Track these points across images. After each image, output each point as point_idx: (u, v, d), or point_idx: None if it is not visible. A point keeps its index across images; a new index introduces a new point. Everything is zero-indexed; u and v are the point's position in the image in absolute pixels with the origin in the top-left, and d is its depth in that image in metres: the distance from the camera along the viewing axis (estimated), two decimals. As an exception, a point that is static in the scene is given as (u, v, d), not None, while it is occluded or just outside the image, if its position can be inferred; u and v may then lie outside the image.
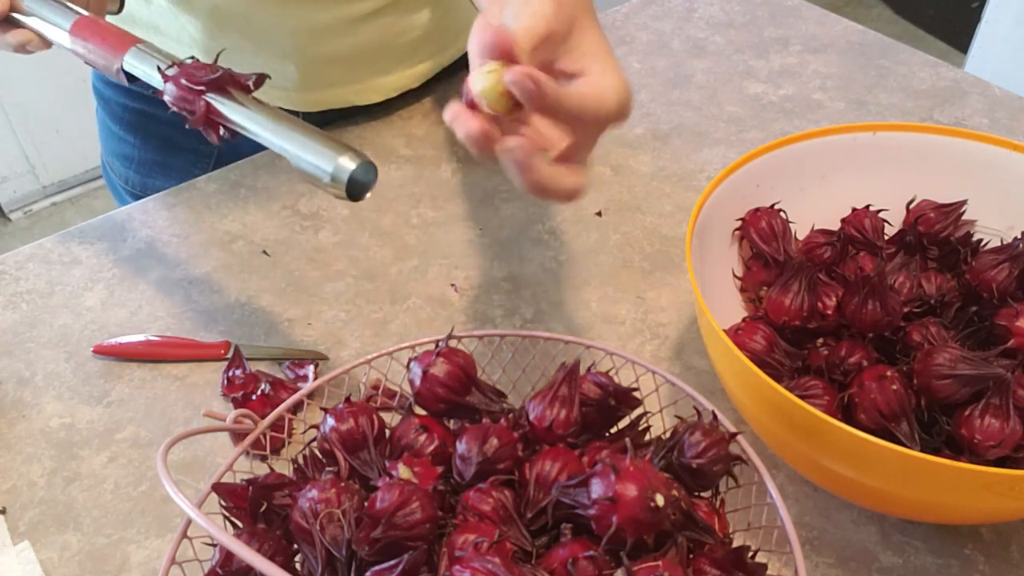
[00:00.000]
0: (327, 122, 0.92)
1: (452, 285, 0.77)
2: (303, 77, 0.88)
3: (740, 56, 1.04)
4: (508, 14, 0.50)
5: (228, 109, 0.56)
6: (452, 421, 0.53)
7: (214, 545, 0.47)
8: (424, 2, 0.90)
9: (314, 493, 0.45)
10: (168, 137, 0.94)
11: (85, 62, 0.65)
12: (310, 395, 0.56)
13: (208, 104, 0.56)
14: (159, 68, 0.58)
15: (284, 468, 0.53)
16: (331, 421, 0.49)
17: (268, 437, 0.53)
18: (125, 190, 0.99)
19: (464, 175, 0.88)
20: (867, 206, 0.67)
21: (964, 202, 0.66)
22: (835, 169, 0.68)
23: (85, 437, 0.66)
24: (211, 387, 0.69)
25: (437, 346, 0.51)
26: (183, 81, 0.56)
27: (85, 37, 0.63)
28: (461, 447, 0.48)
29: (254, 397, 0.67)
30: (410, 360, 0.52)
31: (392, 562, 0.42)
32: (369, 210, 0.84)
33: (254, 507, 0.48)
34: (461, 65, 1.01)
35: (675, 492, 0.42)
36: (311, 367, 0.69)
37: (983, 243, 0.66)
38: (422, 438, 0.49)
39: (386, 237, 0.82)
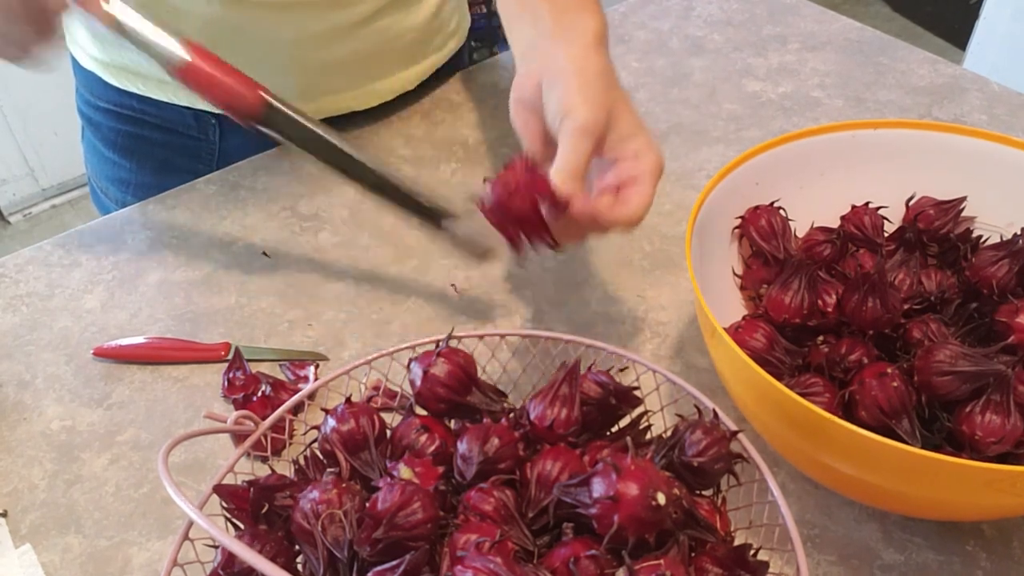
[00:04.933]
0: None
1: (452, 285, 0.77)
2: (302, 87, 0.88)
3: (739, 54, 1.04)
4: (549, 101, 0.58)
5: None
6: (453, 421, 0.53)
7: (216, 547, 0.47)
8: (415, 1, 0.90)
9: (315, 494, 0.45)
10: (164, 159, 0.93)
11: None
12: (311, 396, 0.56)
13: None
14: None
15: (285, 469, 0.53)
16: (332, 422, 0.49)
17: (269, 438, 0.53)
18: None
19: (464, 175, 0.88)
20: (866, 203, 0.67)
21: (963, 199, 0.66)
22: (834, 166, 0.68)
23: (86, 439, 0.66)
24: (212, 389, 0.69)
25: (437, 346, 0.51)
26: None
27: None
28: (462, 447, 0.48)
29: (255, 398, 0.67)
30: (410, 360, 0.52)
31: (394, 562, 0.42)
32: (369, 210, 0.85)
33: (255, 508, 0.48)
34: (456, 65, 1.01)
35: (676, 491, 0.42)
36: (311, 368, 0.69)
37: (983, 239, 0.66)
38: (423, 438, 0.49)
39: (386, 237, 0.82)
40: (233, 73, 0.67)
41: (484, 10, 2.21)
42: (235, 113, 0.67)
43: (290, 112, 0.67)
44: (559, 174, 0.55)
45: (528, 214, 0.55)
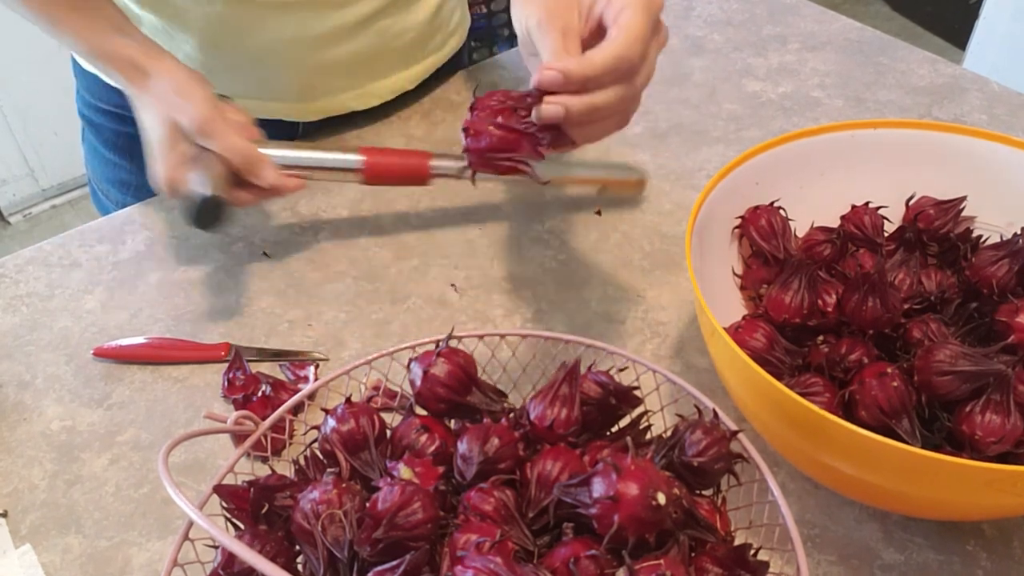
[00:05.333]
0: (327, 129, 0.92)
1: (452, 285, 0.77)
2: (303, 87, 0.88)
3: (738, 54, 1.04)
4: (520, 28, 0.57)
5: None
6: (453, 421, 0.53)
7: (216, 547, 0.47)
8: (415, 1, 0.89)
9: (315, 494, 0.45)
10: None
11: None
12: (311, 396, 0.56)
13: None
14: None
15: (285, 469, 0.53)
16: (332, 422, 0.49)
17: (269, 438, 0.53)
18: None
19: (463, 175, 0.88)
20: (866, 203, 0.67)
21: (963, 198, 0.66)
22: (834, 166, 0.68)
23: (86, 440, 0.66)
24: (212, 389, 0.69)
25: (437, 346, 0.51)
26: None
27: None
28: (462, 447, 0.48)
29: (255, 399, 0.67)
30: (410, 360, 0.52)
31: (394, 562, 0.42)
32: (369, 210, 0.85)
33: (255, 508, 0.48)
34: (456, 65, 1.01)
35: (676, 491, 0.42)
36: (311, 368, 0.69)
37: (982, 239, 0.66)
38: (423, 438, 0.49)
39: (386, 237, 0.82)
40: (402, 155, 0.78)
41: (484, 10, 2.21)
42: (410, 184, 0.80)
43: (452, 166, 0.78)
44: (537, 76, 0.52)
45: (504, 138, 0.54)
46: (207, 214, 0.70)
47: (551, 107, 0.52)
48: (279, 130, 0.92)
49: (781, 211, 0.66)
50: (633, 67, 0.53)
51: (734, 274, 0.66)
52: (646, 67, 0.55)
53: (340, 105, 0.91)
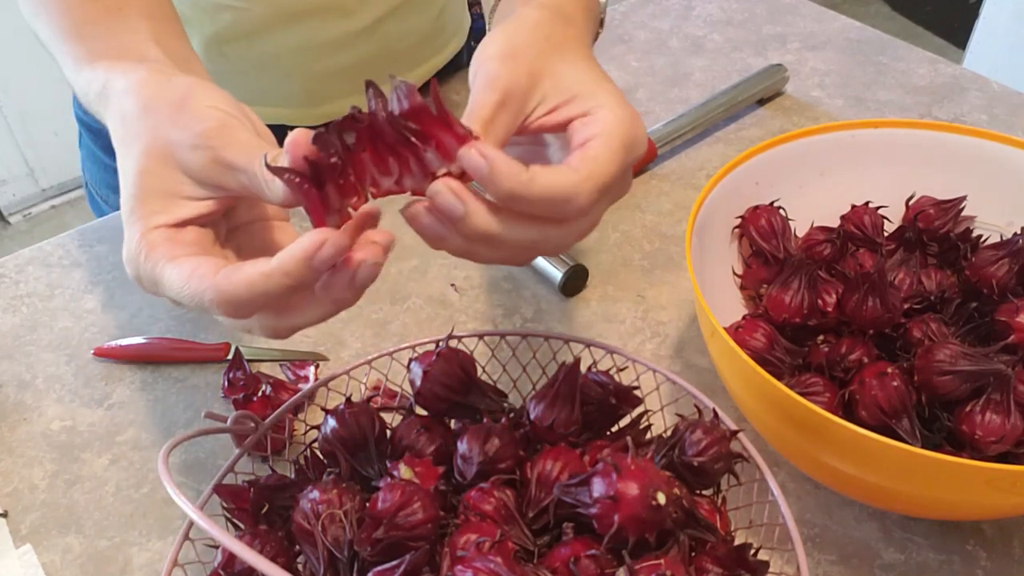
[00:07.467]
0: None
1: (452, 285, 0.77)
2: (306, 93, 0.87)
3: (738, 54, 1.04)
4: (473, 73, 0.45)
5: None
6: (453, 421, 0.53)
7: (216, 547, 0.47)
8: (420, 5, 0.90)
9: (316, 494, 0.45)
10: None
11: None
12: (311, 396, 0.56)
13: None
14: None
15: (285, 469, 0.53)
16: (332, 422, 0.50)
17: (269, 438, 0.53)
18: None
19: (463, 175, 0.88)
20: (866, 203, 0.67)
21: (963, 198, 0.66)
22: (834, 166, 0.68)
23: (86, 440, 0.66)
24: (212, 389, 0.69)
25: (437, 346, 0.51)
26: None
27: None
28: (462, 447, 0.48)
29: (255, 399, 0.67)
30: (411, 360, 0.52)
31: (394, 562, 0.42)
32: (368, 211, 0.84)
33: (256, 508, 0.48)
34: (456, 65, 1.01)
35: (677, 490, 0.42)
36: (312, 368, 0.69)
37: (983, 239, 0.66)
38: (423, 438, 0.50)
39: (386, 237, 0.82)
40: None
41: (483, 10, 2.21)
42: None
43: None
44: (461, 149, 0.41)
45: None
46: (572, 282, 0.73)
47: (474, 160, 0.39)
48: (281, 135, 0.92)
49: (781, 211, 0.66)
50: (571, 213, 0.41)
51: (734, 274, 0.66)
52: (590, 218, 0.43)
53: (343, 109, 0.91)
